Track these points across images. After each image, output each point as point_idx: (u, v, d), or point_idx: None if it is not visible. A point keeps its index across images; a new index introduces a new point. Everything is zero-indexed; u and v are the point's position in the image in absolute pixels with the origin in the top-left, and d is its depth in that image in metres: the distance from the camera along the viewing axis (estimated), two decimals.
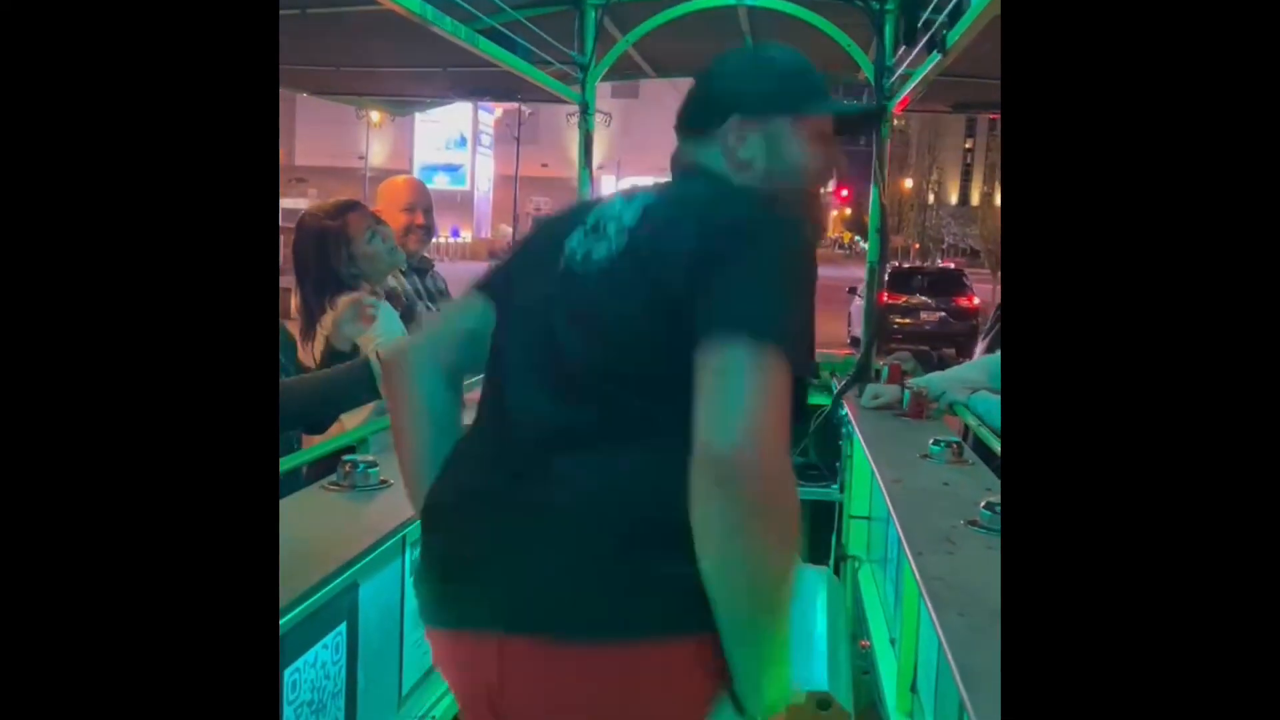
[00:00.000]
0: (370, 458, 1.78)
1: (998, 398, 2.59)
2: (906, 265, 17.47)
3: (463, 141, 48.72)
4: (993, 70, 2.95)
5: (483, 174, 50.42)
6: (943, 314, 14.19)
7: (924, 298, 14.34)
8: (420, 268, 2.94)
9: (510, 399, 1.17)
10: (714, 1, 2.96)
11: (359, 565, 1.49)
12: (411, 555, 1.77)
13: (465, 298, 1.32)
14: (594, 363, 1.12)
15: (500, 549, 1.08)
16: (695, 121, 1.29)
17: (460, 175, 48.62)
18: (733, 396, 1.00)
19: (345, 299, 2.15)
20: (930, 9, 2.15)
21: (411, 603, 1.78)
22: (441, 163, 48.23)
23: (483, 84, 3.70)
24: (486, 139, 49.53)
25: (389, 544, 1.61)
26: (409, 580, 1.77)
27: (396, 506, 1.66)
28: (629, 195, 1.28)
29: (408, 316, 2.72)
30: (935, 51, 1.96)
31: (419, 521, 1.20)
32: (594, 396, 1.11)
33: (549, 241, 1.26)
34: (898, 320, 13.67)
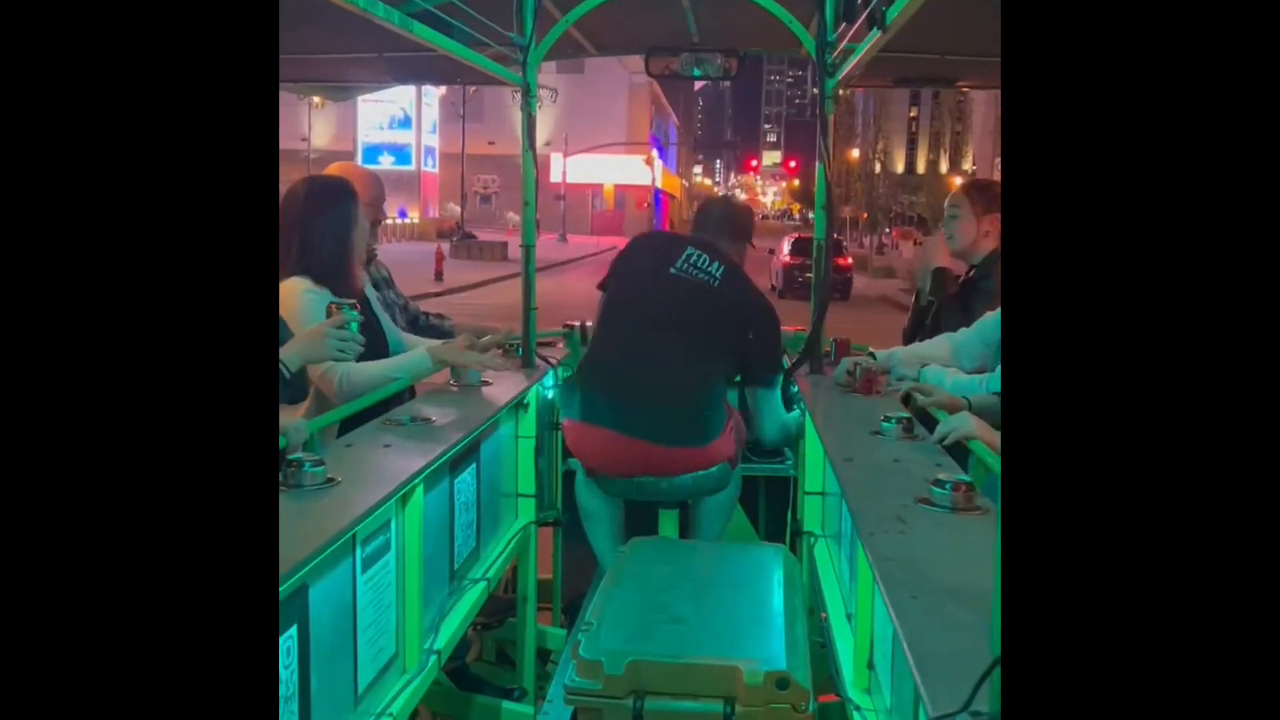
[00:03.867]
0: (316, 456, 1.75)
1: (947, 371, 2.61)
2: (800, 236, 23.52)
3: (406, 121, 48.14)
4: (933, 45, 2.96)
5: (429, 153, 49.95)
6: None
7: (810, 256, 18.62)
8: (369, 257, 2.97)
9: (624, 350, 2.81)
10: None
11: (308, 567, 1.47)
12: (363, 552, 1.75)
13: (599, 297, 2.97)
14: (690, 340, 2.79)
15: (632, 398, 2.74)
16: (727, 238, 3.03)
17: (405, 155, 48.07)
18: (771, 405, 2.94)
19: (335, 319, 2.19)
20: None
21: (364, 599, 1.76)
22: (386, 143, 47.62)
23: (421, 68, 3.65)
24: (430, 119, 49.03)
25: (338, 543, 1.58)
26: (361, 579, 1.75)
27: (345, 505, 1.64)
28: (704, 251, 2.88)
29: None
30: (875, 28, 1.95)
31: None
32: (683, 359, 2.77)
33: (652, 255, 2.96)
34: (800, 275, 20.18)
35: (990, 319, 2.63)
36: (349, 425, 2.23)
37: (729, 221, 3.05)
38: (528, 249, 3.12)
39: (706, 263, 2.83)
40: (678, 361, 2.74)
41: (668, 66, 3.44)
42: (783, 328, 3.64)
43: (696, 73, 3.32)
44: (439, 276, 22.08)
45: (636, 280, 2.91)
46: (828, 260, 3.13)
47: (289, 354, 2.11)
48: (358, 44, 3.15)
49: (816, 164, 2.94)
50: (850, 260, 22.71)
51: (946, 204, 3.10)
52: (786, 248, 23.06)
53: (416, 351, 2.54)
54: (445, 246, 27.39)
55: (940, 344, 2.78)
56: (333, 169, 2.99)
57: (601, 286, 2.99)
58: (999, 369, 2.42)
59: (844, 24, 2.72)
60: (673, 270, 2.82)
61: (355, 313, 2.21)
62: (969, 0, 2.01)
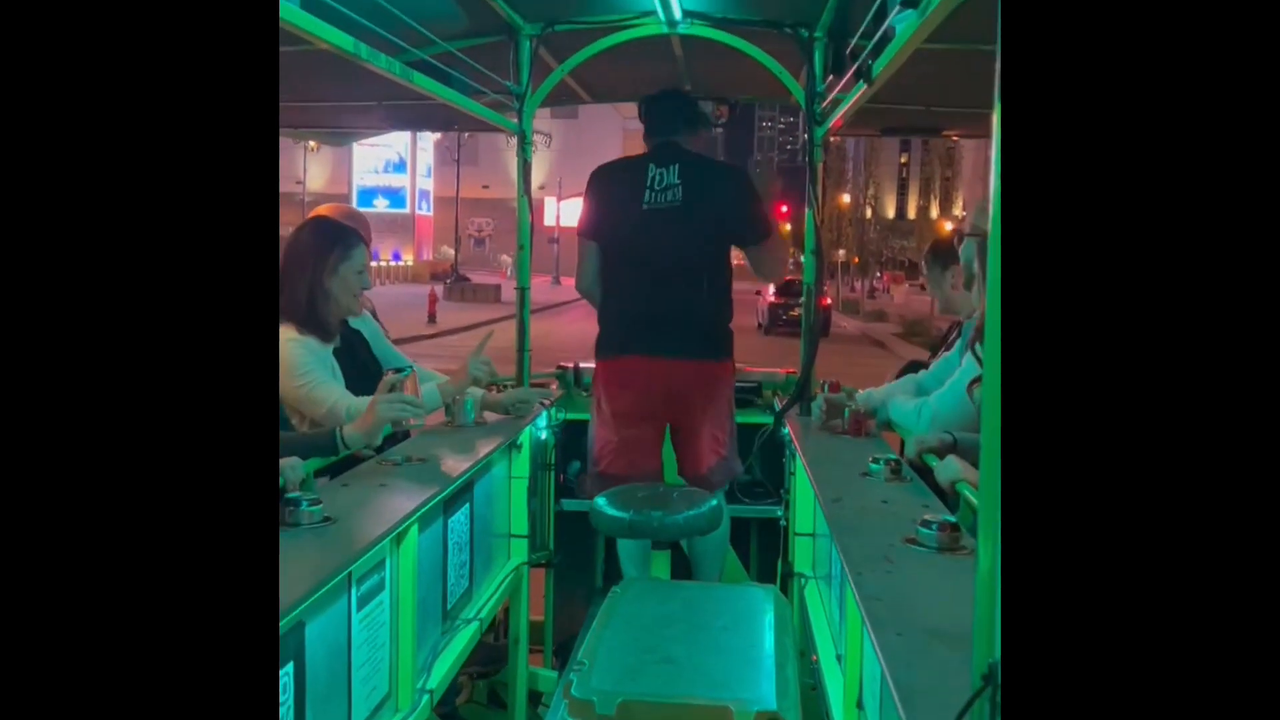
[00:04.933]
0: (313, 495, 1.77)
1: (909, 399, 2.67)
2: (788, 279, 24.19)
3: (401, 165, 48.27)
4: (917, 98, 3.03)
5: (423, 196, 49.96)
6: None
7: (795, 298, 20.92)
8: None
9: (629, 291, 3.10)
10: (647, 31, 3.00)
11: (305, 604, 1.49)
12: (358, 591, 1.76)
13: (588, 245, 3.18)
14: (682, 251, 3.02)
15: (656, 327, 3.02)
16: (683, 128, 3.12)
17: (400, 198, 48.14)
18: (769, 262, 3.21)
19: (389, 379, 2.22)
20: (858, 36, 2.21)
21: (359, 638, 1.78)
22: (381, 186, 47.68)
23: (419, 116, 3.71)
24: (425, 163, 49.08)
25: (334, 581, 1.61)
26: (356, 617, 1.76)
27: (341, 544, 1.66)
28: (662, 163, 3.05)
29: (365, 358, 2.76)
30: (862, 80, 2.01)
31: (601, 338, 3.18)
32: (680, 268, 3.02)
33: (623, 196, 3.10)
34: (784, 314, 22.46)
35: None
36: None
37: (679, 116, 3.14)
38: (523, 292, 3.16)
39: (666, 177, 3.04)
40: (678, 287, 3.03)
41: None
42: (772, 369, 3.69)
43: None
44: (432, 319, 22.36)
45: (615, 227, 3.14)
46: (818, 304, 3.18)
47: (353, 440, 2.18)
48: (358, 92, 3.21)
49: (806, 210, 3.00)
50: (829, 300, 25.60)
51: (924, 264, 3.16)
52: (772, 289, 23.89)
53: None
54: (439, 289, 27.57)
55: (906, 384, 2.84)
56: (321, 210, 3.02)
57: (581, 234, 3.21)
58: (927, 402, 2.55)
59: (832, 75, 2.79)
60: (644, 206, 3.05)
61: (408, 373, 2.25)
62: (951, 56, 2.07)
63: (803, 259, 3.22)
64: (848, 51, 2.47)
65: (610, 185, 3.23)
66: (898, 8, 1.69)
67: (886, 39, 1.91)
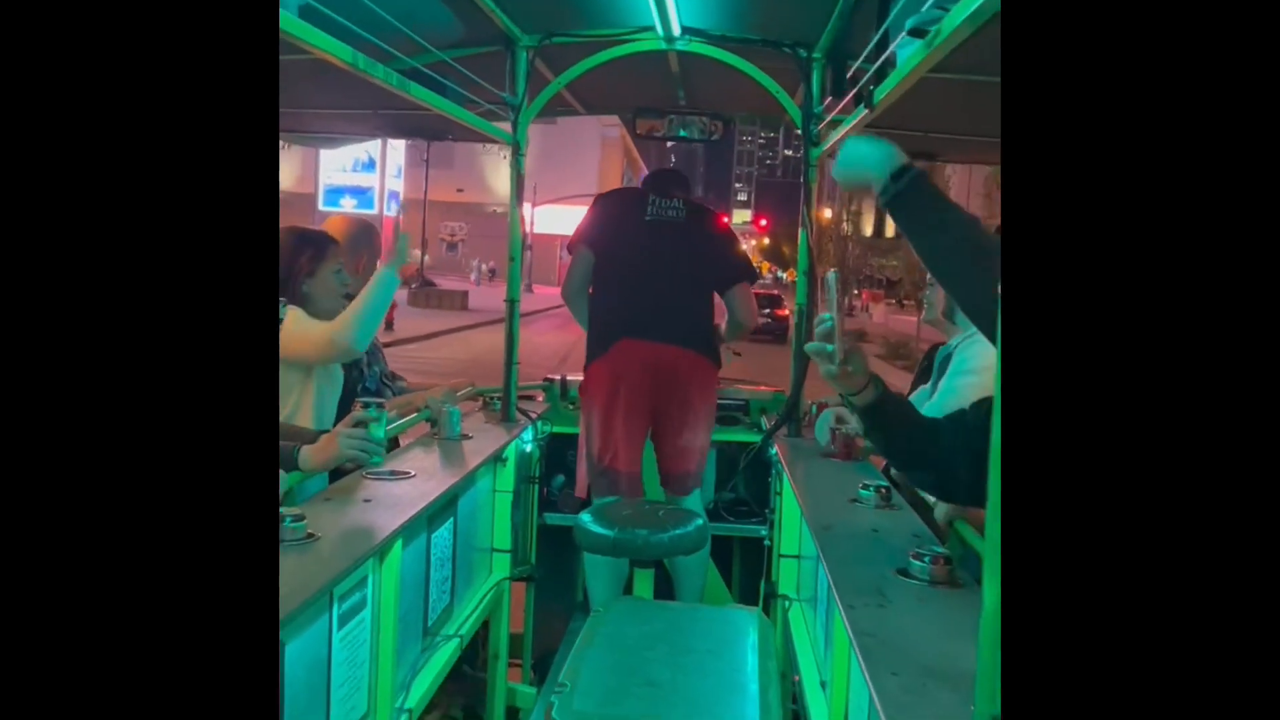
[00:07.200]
0: (297, 510, 1.74)
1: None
2: (756, 292, 26.54)
3: (370, 164, 47.06)
4: (916, 123, 3.03)
5: (393, 197, 48.95)
6: (767, 319, 24.56)
7: (762, 310, 24.30)
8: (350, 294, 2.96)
9: (625, 287, 3.32)
10: (645, 46, 2.99)
11: (286, 625, 1.46)
12: (339, 609, 1.73)
13: (581, 255, 3.41)
14: (677, 260, 3.29)
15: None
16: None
17: (369, 199, 46.88)
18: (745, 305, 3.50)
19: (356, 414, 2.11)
20: (860, 59, 2.20)
21: (339, 657, 1.75)
22: (348, 185, 46.42)
23: (414, 125, 3.68)
24: (395, 163, 47.92)
25: (316, 600, 1.58)
26: (337, 635, 1.73)
27: (323, 562, 1.63)
28: (662, 194, 3.41)
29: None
30: (862, 105, 2.00)
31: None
32: (675, 274, 3.28)
33: (625, 210, 3.44)
34: None
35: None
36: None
37: (674, 181, 3.59)
38: (512, 304, 3.14)
39: (668, 204, 3.41)
40: (674, 289, 3.27)
41: (653, 128, 3.51)
42: (760, 388, 3.69)
43: (682, 134, 3.42)
44: (389, 325, 20.32)
45: (619, 235, 3.38)
46: (808, 324, 3.17)
47: (306, 464, 2.06)
48: (353, 100, 3.19)
49: (800, 231, 2.99)
50: (787, 310, 28.04)
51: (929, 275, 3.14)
52: None
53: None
54: (403, 294, 26.34)
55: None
56: (332, 222, 3.00)
57: (571, 249, 3.46)
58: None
59: (830, 97, 2.78)
60: (647, 218, 3.36)
61: (379, 413, 2.11)
62: (955, 86, 2.06)
63: (780, 273, 3.25)
64: (848, 75, 2.46)
65: (613, 203, 3.53)
66: (902, 35, 1.68)
67: (889, 65, 1.90)
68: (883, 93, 1.77)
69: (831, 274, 1.87)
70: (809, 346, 1.80)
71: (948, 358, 2.48)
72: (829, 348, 1.72)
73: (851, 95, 2.05)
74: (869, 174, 1.69)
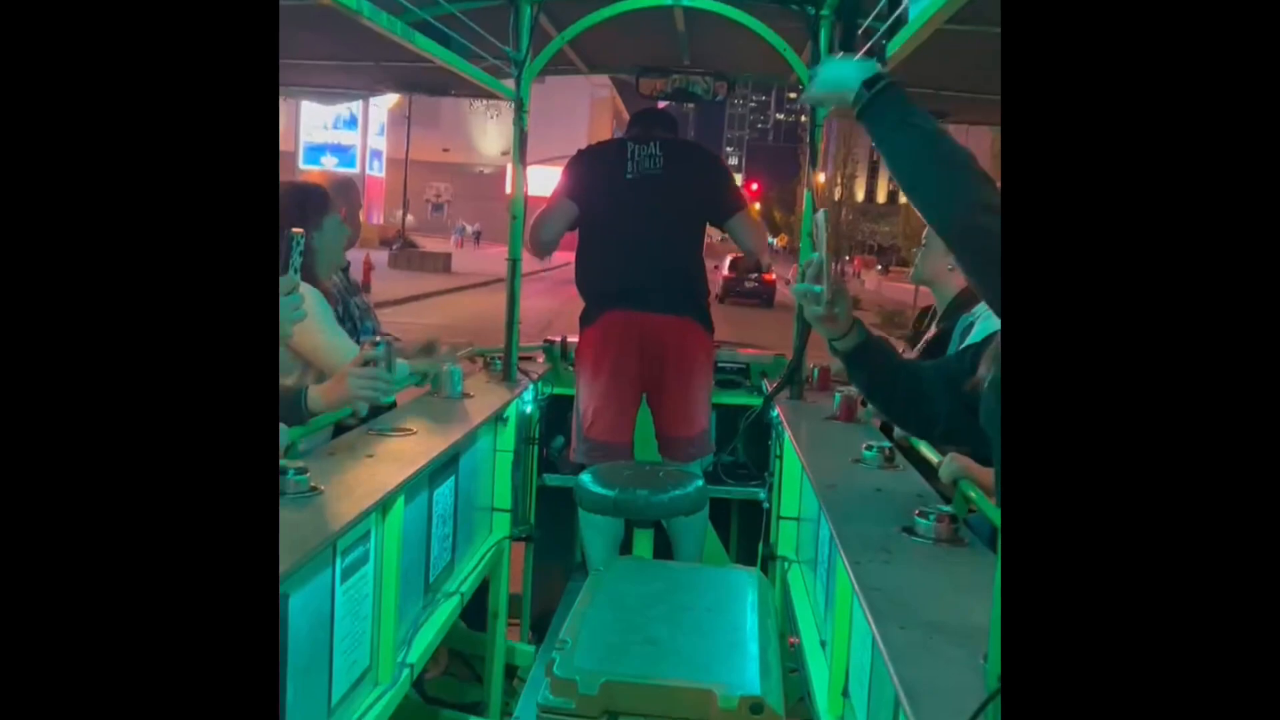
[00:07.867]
0: (300, 463, 1.73)
1: None
2: (735, 257, 27.79)
3: (353, 121, 45.54)
4: (930, 80, 2.99)
5: (375, 156, 47.19)
6: (754, 284, 27.65)
7: (745, 273, 27.48)
8: (343, 265, 2.94)
9: (610, 254, 3.25)
10: (652, 1, 2.94)
11: (290, 576, 1.45)
12: (343, 562, 1.73)
13: (562, 203, 3.30)
14: (661, 218, 3.18)
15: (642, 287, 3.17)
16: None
17: (350, 157, 45.28)
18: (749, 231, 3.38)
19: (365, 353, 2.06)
20: (871, 17, 2.17)
21: (342, 610, 1.74)
22: (330, 143, 44.74)
23: (416, 78, 3.63)
24: (378, 121, 46.15)
25: (320, 553, 1.57)
26: (340, 589, 1.73)
27: (327, 514, 1.62)
28: (642, 141, 3.27)
29: (341, 315, 2.70)
30: (874, 60, 1.97)
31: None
32: (659, 234, 3.19)
33: (606, 169, 3.29)
34: (736, 286, 27.49)
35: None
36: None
37: (657, 122, 3.44)
38: (514, 263, 3.12)
39: (647, 150, 3.27)
40: (663, 251, 3.21)
41: (657, 87, 3.47)
42: (761, 350, 3.68)
43: (693, 90, 3.40)
44: (366, 288, 20.31)
45: (599, 197, 3.28)
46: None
47: (316, 404, 2.04)
48: (355, 51, 3.14)
49: (805, 192, 2.96)
50: (774, 275, 28.90)
51: (925, 233, 3.09)
52: (726, 266, 28.11)
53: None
54: (383, 255, 25.72)
55: None
56: (311, 176, 3.01)
57: (559, 193, 3.36)
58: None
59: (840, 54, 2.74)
60: (627, 176, 3.25)
61: (384, 348, 2.05)
62: (969, 38, 2.03)
63: (770, 239, 3.25)
64: (859, 32, 2.43)
65: (594, 161, 3.40)
66: None
67: (901, 22, 1.87)
68: (895, 46, 1.74)
69: (822, 213, 1.85)
70: (795, 287, 1.79)
71: (969, 328, 2.45)
72: (817, 289, 1.71)
73: (864, 50, 2.01)
74: (844, 87, 1.67)
